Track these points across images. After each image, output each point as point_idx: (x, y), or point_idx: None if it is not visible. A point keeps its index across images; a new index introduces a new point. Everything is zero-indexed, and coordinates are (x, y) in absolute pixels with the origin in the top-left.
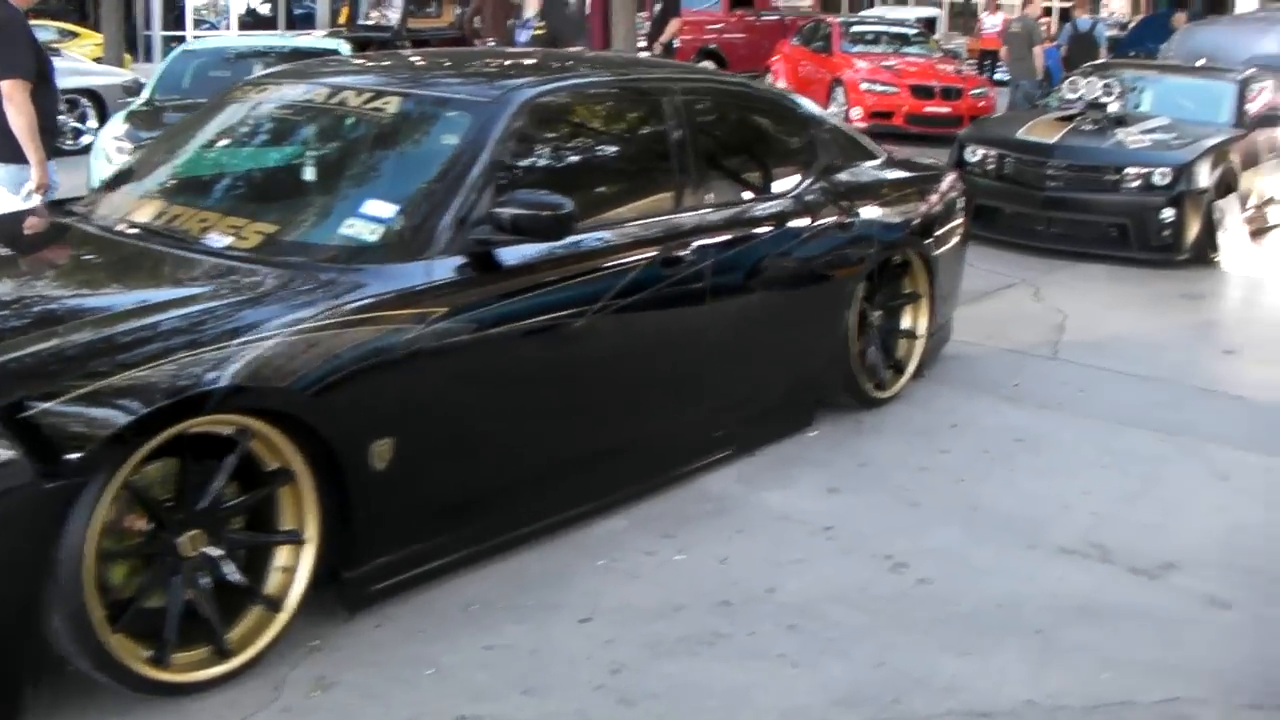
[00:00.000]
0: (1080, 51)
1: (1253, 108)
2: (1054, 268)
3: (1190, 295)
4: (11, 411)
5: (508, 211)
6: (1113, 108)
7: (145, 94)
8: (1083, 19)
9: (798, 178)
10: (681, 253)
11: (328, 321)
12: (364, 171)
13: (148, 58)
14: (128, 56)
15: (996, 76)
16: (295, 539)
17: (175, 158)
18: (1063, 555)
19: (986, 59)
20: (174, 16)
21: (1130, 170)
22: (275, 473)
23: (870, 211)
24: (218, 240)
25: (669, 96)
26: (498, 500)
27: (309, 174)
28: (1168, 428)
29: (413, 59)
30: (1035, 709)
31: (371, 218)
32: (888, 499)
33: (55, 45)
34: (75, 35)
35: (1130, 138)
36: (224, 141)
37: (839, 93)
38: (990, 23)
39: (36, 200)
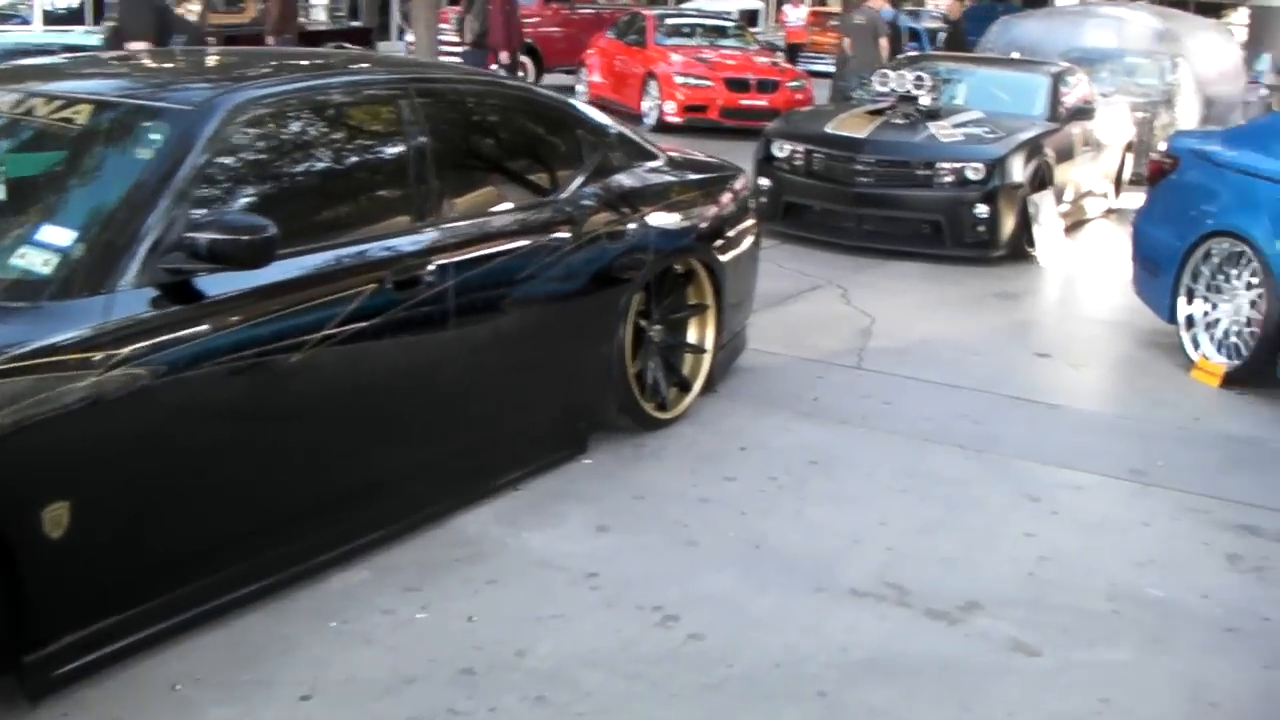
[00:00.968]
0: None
1: (1068, 101)
2: (864, 267)
3: (1005, 294)
4: None
5: (204, 236)
6: (925, 101)
7: None
8: (886, 10)
9: (560, 184)
10: (419, 273)
11: None
12: (44, 192)
13: None
14: None
15: (812, 69)
16: None
17: None
18: (853, 599)
19: (795, 52)
20: None
21: (943, 165)
22: None
23: (645, 218)
24: None
25: (407, 99)
26: (210, 560)
27: None
28: (975, 443)
29: (125, 60)
30: None
31: (47, 246)
32: (662, 538)
33: None
34: None
35: (943, 131)
36: None
37: (653, 87)
38: (794, 15)
39: None
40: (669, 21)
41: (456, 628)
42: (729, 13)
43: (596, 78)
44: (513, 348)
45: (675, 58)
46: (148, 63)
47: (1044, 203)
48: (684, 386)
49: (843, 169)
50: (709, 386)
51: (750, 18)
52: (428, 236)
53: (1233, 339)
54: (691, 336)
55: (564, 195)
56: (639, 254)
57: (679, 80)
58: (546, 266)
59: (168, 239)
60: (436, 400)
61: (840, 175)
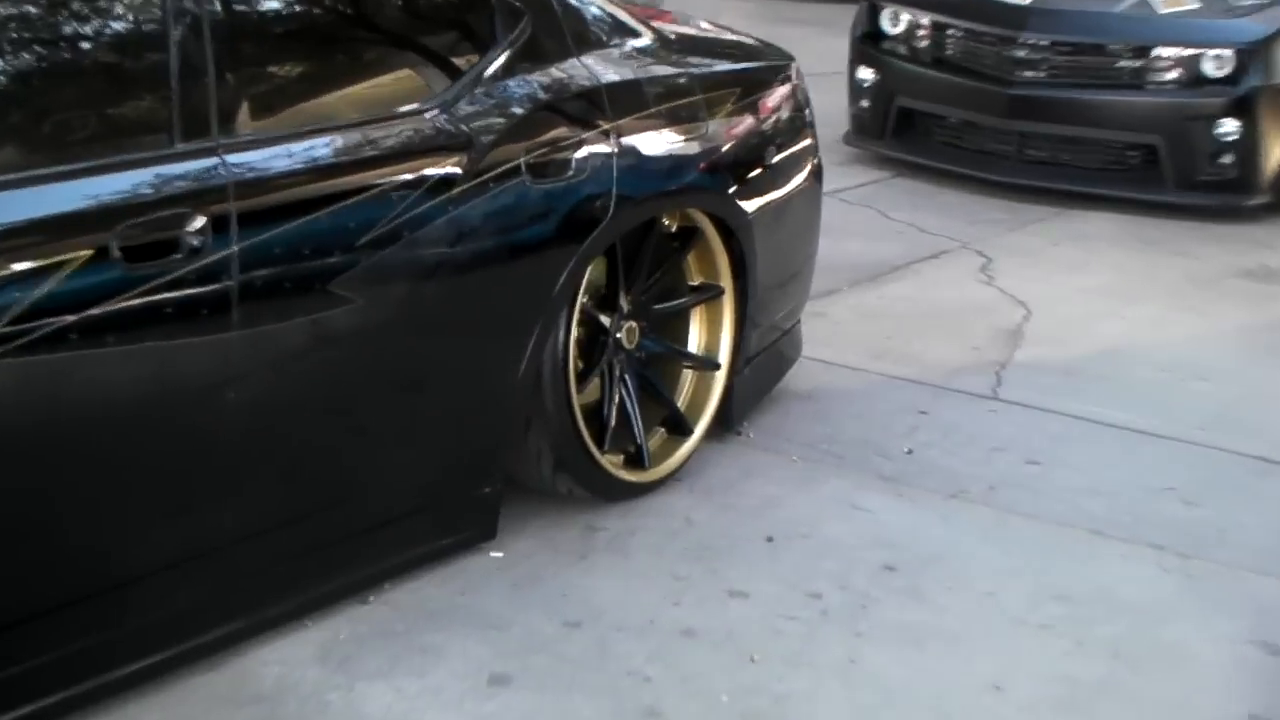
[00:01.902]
0: None
1: None
2: (1024, 221)
3: (1260, 274)
4: None
5: None
6: None
7: None
8: None
9: (453, 77)
10: (175, 233)
11: None
12: None
13: None
14: None
15: None
16: None
17: None
18: None
19: None
20: None
21: (1164, 51)
22: None
23: (608, 137)
24: None
25: None
26: None
27: None
28: (1182, 542)
29: None
30: None
31: None
32: (601, 703)
33: None
34: None
35: None
36: None
37: None
38: None
39: None
40: None
41: None
42: None
43: None
44: (352, 362)
45: None
46: None
47: None
48: (678, 426)
49: (995, 56)
50: (723, 425)
51: None
52: (194, 168)
53: None
54: (693, 342)
55: (454, 97)
56: (593, 200)
57: None
58: (417, 222)
59: None
60: (208, 450)
61: (991, 66)
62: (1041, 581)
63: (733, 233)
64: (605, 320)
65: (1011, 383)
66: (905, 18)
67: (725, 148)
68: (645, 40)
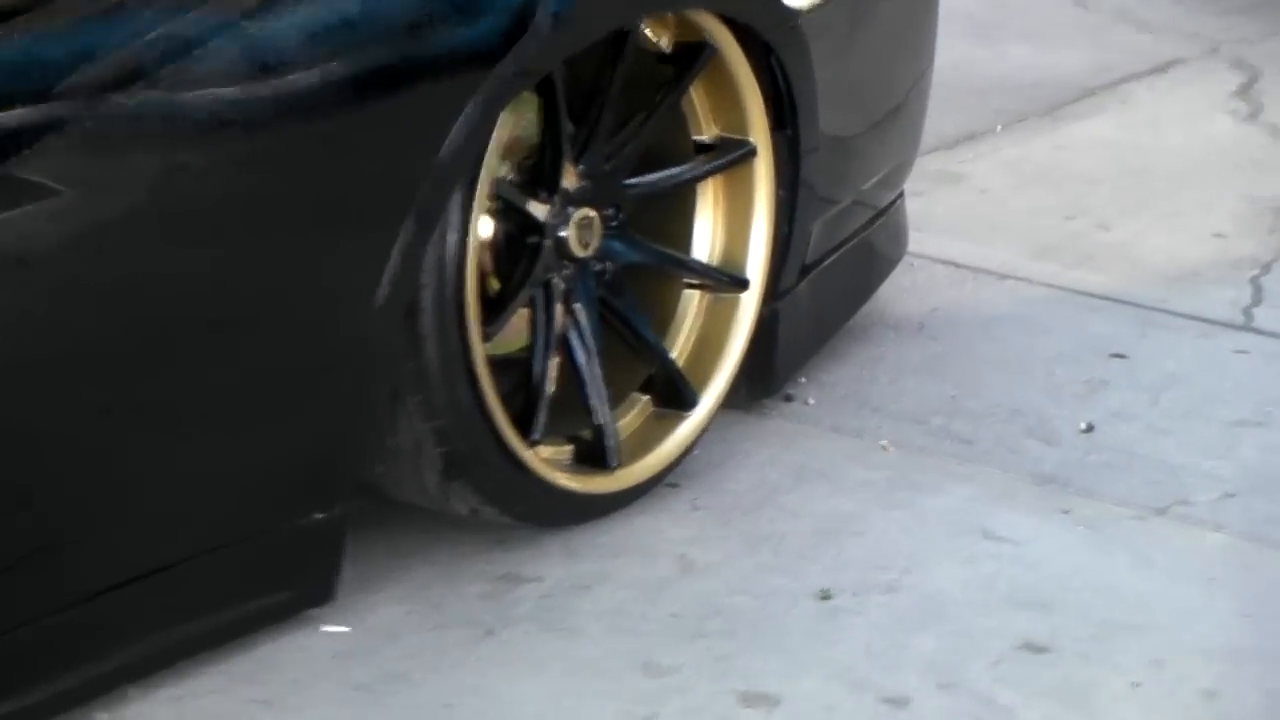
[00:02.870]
0: None
1: None
2: None
3: None
4: None
5: None
6: None
7: None
8: None
9: None
10: None
11: None
12: None
13: None
14: None
15: None
16: None
17: None
18: None
19: None
20: None
21: None
22: None
23: None
24: None
25: None
26: None
27: None
28: None
29: None
30: None
31: None
32: None
33: None
34: None
35: None
36: None
37: None
38: None
39: None
40: None
41: None
42: None
43: None
44: (65, 295)
45: None
46: None
47: None
48: (673, 394)
49: None
50: (759, 387)
51: None
52: None
53: None
54: (702, 242)
55: None
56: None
57: None
58: (177, 48)
59: None
60: None
61: None
62: None
63: (770, 48)
64: (536, 208)
65: (1278, 299)
66: None
67: None
68: None
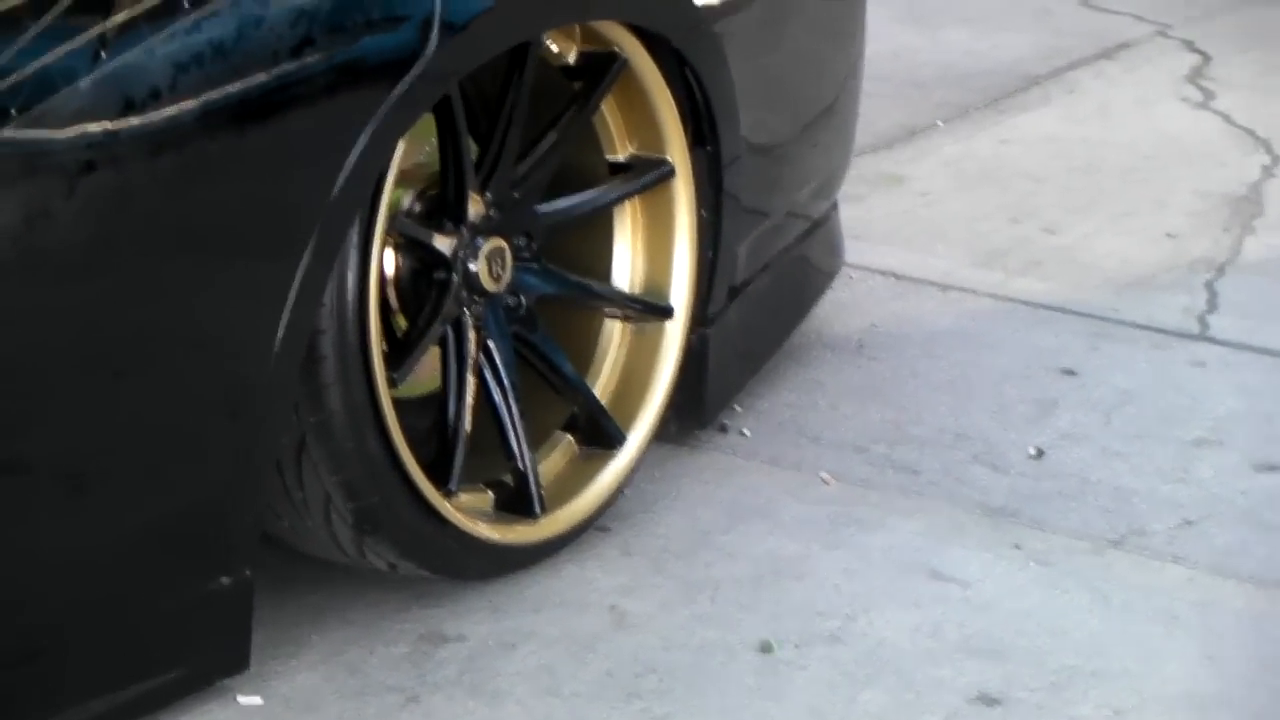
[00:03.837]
0: None
1: None
2: None
3: None
4: None
5: None
6: None
7: None
8: None
9: None
10: None
11: None
12: None
13: None
14: None
15: None
16: None
17: None
18: None
19: None
20: None
21: None
22: None
23: None
24: None
25: None
26: None
27: None
28: None
29: None
30: None
31: None
32: None
33: None
34: None
35: None
36: None
37: None
38: None
39: None
40: None
41: None
42: None
43: None
44: None
45: None
46: None
47: None
48: (597, 432)
49: None
50: (691, 418)
51: None
52: None
53: None
54: (622, 268)
55: None
56: (395, 18)
57: None
58: (39, 84)
59: None
60: None
61: None
62: None
63: (683, 58)
64: (441, 241)
65: (1234, 305)
66: None
67: None
68: None
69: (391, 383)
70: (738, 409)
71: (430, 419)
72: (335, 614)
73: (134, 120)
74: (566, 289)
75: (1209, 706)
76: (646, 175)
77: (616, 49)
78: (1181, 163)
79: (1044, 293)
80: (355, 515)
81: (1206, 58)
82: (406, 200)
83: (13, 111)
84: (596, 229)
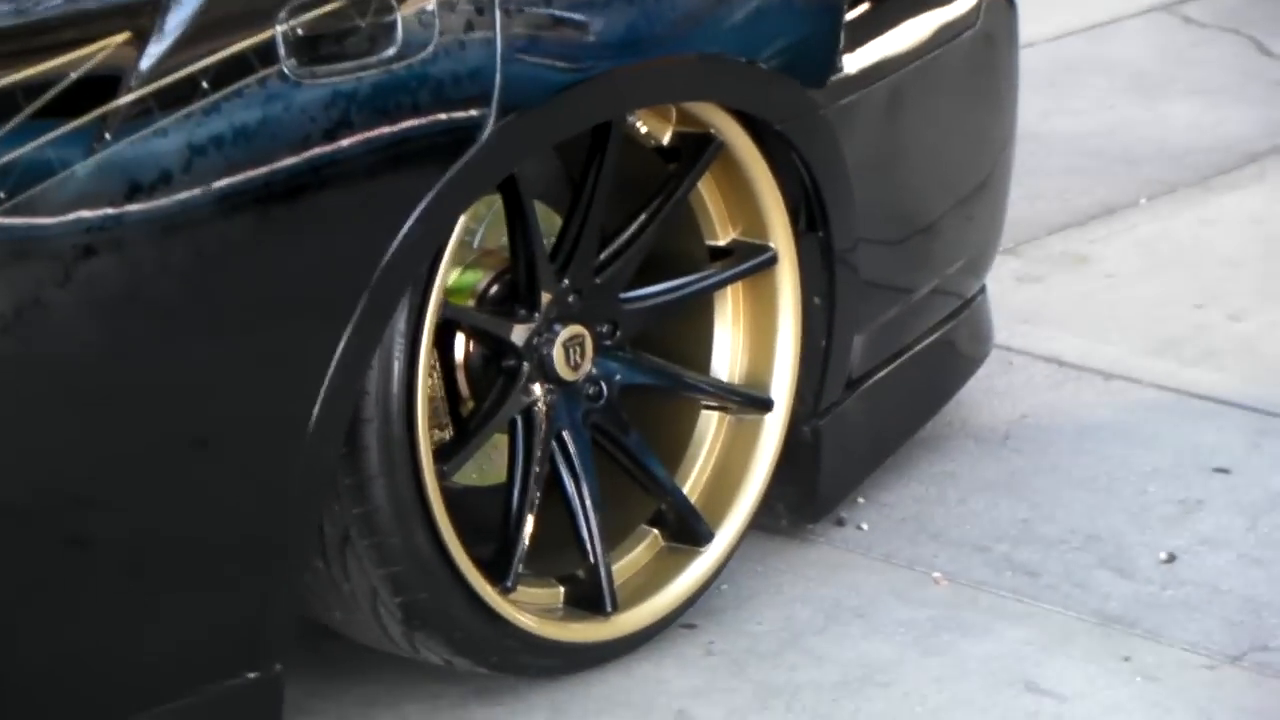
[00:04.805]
0: None
1: None
2: None
3: None
4: None
5: None
6: None
7: None
8: None
9: None
10: None
11: None
12: None
13: None
14: None
15: None
16: None
17: None
18: None
19: None
20: None
21: None
22: None
23: None
24: None
25: None
26: None
27: None
28: None
29: None
30: None
31: None
32: None
33: None
34: None
35: None
36: None
37: None
38: None
39: None
40: None
41: None
42: None
43: None
44: None
45: None
46: None
47: None
48: (684, 528)
49: None
50: (802, 512)
51: None
52: None
53: None
54: (722, 357)
55: None
56: (445, 95)
57: None
58: (32, 173)
59: None
60: None
61: None
62: None
63: (789, 142)
64: (509, 329)
65: None
66: None
67: None
68: None
69: (442, 475)
70: (860, 501)
71: (494, 507)
72: (388, 707)
73: (138, 206)
74: (656, 378)
75: None
76: (746, 262)
77: (713, 130)
78: None
79: (1214, 385)
80: (404, 610)
81: None
82: (482, 284)
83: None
84: (696, 316)
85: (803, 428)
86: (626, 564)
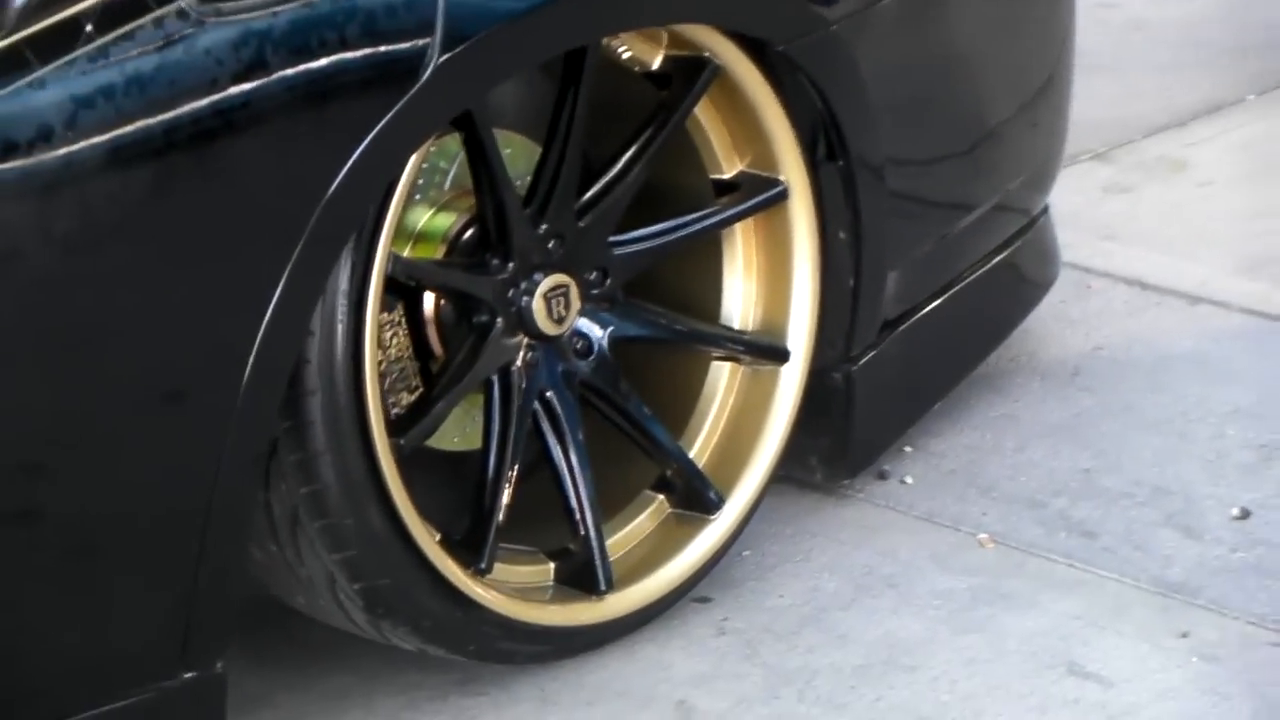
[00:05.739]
0: None
1: None
2: None
3: None
4: None
5: None
6: None
7: None
8: None
9: None
10: None
11: None
12: None
13: None
14: None
15: None
16: None
17: None
18: None
19: None
20: None
21: None
22: None
23: None
24: None
25: None
26: None
27: None
28: None
29: None
30: None
31: None
32: None
33: None
34: None
35: None
36: None
37: None
38: None
39: None
40: None
41: None
42: None
43: None
44: None
45: None
46: None
47: None
48: (694, 495)
49: None
50: (836, 467)
51: None
52: None
53: None
54: (731, 307)
55: None
56: (384, 30)
57: None
58: None
59: None
60: None
61: None
62: None
63: (795, 64)
64: (476, 282)
65: None
66: None
67: None
68: None
69: (399, 450)
70: (907, 450)
71: (467, 476)
72: (359, 701)
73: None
74: (653, 330)
75: None
76: (752, 198)
77: (707, 54)
78: None
79: None
80: (364, 598)
81: None
82: (454, 228)
83: None
84: (702, 259)
85: (833, 374)
86: (628, 534)
